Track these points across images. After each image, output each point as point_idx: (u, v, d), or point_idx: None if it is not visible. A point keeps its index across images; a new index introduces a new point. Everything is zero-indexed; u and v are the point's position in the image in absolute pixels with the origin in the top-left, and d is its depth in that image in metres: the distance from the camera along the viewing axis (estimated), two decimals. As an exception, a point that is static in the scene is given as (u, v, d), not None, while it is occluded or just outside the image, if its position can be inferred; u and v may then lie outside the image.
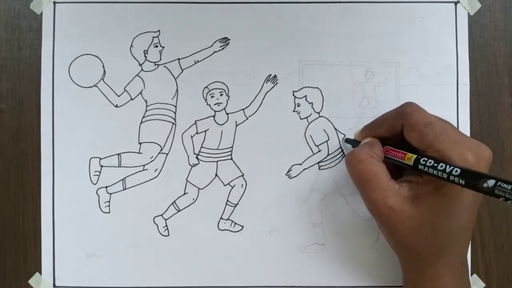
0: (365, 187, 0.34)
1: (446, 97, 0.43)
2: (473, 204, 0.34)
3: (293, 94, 0.43)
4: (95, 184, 0.43)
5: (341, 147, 0.43)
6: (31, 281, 0.43)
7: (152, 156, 0.43)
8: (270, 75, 0.43)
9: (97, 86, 0.43)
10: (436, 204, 0.33)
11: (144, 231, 0.42)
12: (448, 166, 0.31)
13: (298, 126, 0.43)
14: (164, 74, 0.43)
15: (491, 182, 0.28)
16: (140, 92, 0.43)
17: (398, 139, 0.37)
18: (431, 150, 0.33)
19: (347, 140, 0.42)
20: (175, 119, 0.43)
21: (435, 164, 0.32)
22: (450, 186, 0.32)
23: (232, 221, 0.43)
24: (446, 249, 0.34)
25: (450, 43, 0.43)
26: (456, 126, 0.43)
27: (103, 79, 0.43)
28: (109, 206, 0.43)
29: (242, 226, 0.43)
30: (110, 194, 0.43)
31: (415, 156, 0.34)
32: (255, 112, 0.43)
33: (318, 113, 0.43)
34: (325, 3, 0.43)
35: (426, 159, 0.33)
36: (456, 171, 0.30)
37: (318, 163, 0.43)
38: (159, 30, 0.43)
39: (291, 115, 0.43)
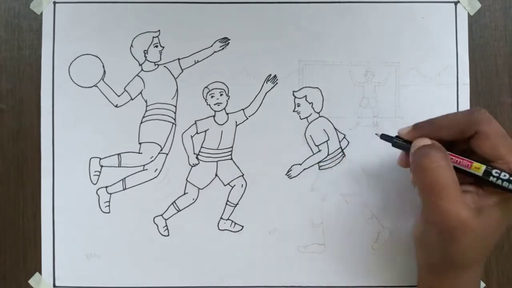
0: (439, 196, 0.32)
1: (446, 97, 0.43)
2: None
3: (293, 94, 0.43)
4: (95, 184, 0.43)
5: (341, 147, 0.43)
6: (31, 281, 0.43)
7: (152, 156, 0.43)
8: (270, 75, 0.43)
9: (97, 86, 0.43)
10: (496, 217, 0.33)
11: (144, 231, 0.42)
12: None
13: (298, 126, 0.43)
14: (164, 74, 0.43)
15: None
16: (140, 92, 0.43)
17: (447, 144, 0.35)
18: (502, 162, 0.33)
19: (384, 137, 0.38)
20: (175, 119, 0.43)
21: (511, 178, 0.32)
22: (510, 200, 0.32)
23: (232, 221, 0.43)
24: (486, 257, 0.35)
25: (450, 43, 0.43)
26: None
27: (103, 79, 0.43)
28: (109, 206, 0.43)
29: (242, 226, 0.43)
30: (110, 194, 0.43)
31: (485, 166, 0.33)
32: (255, 112, 0.43)
33: (318, 113, 0.43)
34: (325, 3, 0.43)
35: (499, 171, 0.32)
36: None
37: (318, 163, 0.43)
38: (159, 30, 0.43)
39: (291, 115, 0.43)
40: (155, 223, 0.43)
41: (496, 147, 0.33)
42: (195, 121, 0.43)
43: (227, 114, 0.43)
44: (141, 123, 0.43)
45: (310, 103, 0.43)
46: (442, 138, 0.35)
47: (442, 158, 0.33)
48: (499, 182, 0.32)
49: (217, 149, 0.43)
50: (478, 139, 0.34)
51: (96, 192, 0.43)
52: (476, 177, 0.34)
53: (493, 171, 0.33)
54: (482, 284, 0.43)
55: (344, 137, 0.43)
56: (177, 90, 0.43)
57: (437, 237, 0.33)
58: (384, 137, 0.38)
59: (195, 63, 0.43)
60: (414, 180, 0.34)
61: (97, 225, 0.42)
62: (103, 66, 0.43)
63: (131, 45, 0.43)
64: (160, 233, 0.43)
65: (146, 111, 0.43)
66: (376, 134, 0.39)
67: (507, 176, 0.32)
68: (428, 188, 0.33)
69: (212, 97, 0.43)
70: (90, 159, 0.43)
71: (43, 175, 0.43)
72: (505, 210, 0.33)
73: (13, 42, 0.43)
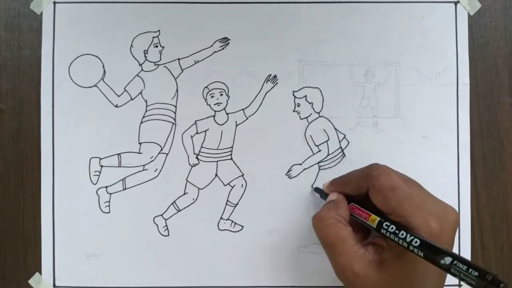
0: (331, 252, 0.34)
1: (446, 97, 0.43)
2: (439, 271, 0.32)
3: (293, 94, 0.43)
4: (95, 184, 0.43)
5: (341, 147, 0.43)
6: (31, 281, 0.43)
7: (152, 156, 0.43)
8: (270, 75, 0.43)
9: (97, 86, 0.43)
10: (400, 271, 0.32)
11: (144, 231, 0.42)
12: (408, 235, 0.31)
13: (298, 126, 0.43)
14: (164, 74, 0.43)
15: (448, 260, 0.28)
16: (140, 92, 0.43)
17: (365, 196, 0.36)
18: (395, 215, 0.33)
19: (316, 190, 0.42)
20: (175, 119, 0.43)
21: (397, 231, 0.32)
22: (412, 255, 0.31)
23: (232, 221, 0.43)
24: None
25: (450, 43, 0.43)
26: (455, 126, 0.43)
27: (103, 79, 0.43)
28: (109, 206, 0.43)
29: (242, 226, 0.43)
30: (110, 194, 0.43)
31: (379, 219, 0.34)
32: (255, 112, 0.43)
33: (318, 113, 0.43)
34: (325, 3, 0.43)
35: (388, 224, 0.33)
36: (416, 242, 0.30)
37: (318, 163, 0.43)
38: (159, 30, 0.43)
39: (291, 115, 0.43)
40: (155, 223, 0.43)
41: (385, 201, 0.33)
42: (195, 121, 0.43)
43: (227, 114, 0.43)
44: (141, 123, 0.43)
45: (310, 103, 0.43)
46: (348, 193, 0.38)
47: (330, 216, 0.35)
48: (388, 234, 0.32)
49: (217, 149, 0.43)
50: (371, 194, 0.35)
51: (96, 192, 0.43)
52: (377, 231, 0.34)
53: (384, 224, 0.33)
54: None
55: (344, 137, 0.43)
56: (177, 90, 0.43)
57: None
58: (316, 190, 0.42)
59: (195, 63, 0.43)
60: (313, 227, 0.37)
61: (97, 225, 0.42)
62: (103, 66, 0.43)
63: (131, 45, 0.43)
64: (160, 233, 0.42)
65: (146, 111, 0.43)
66: (311, 186, 0.43)
67: (394, 228, 0.32)
68: (323, 245, 0.35)
69: (212, 97, 0.43)
70: (90, 159, 0.43)
71: (43, 175, 0.42)
72: (405, 265, 0.32)
73: (13, 42, 0.43)
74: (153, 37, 0.43)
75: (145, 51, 0.43)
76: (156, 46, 0.43)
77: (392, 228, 0.32)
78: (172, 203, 0.43)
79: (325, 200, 0.39)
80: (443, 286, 0.34)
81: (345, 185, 0.38)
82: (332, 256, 0.34)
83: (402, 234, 0.31)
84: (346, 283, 0.34)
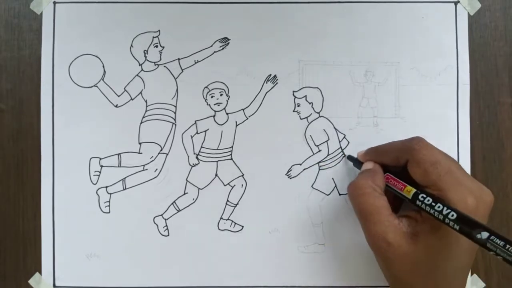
0: (366, 221, 0.34)
1: (446, 97, 0.43)
2: (471, 246, 0.33)
3: (293, 94, 0.43)
4: (95, 184, 0.43)
5: (341, 147, 0.43)
6: (31, 281, 0.43)
7: (152, 156, 0.43)
8: (270, 75, 0.43)
9: (97, 86, 0.43)
10: (433, 244, 0.32)
11: (144, 231, 0.42)
12: (445, 208, 0.31)
13: (298, 126, 0.43)
14: (164, 74, 0.43)
15: (484, 235, 0.28)
16: (140, 92, 0.43)
17: (401, 167, 0.36)
18: (433, 188, 0.33)
19: (350, 158, 0.42)
20: (175, 119, 0.43)
21: (433, 203, 0.32)
22: (448, 229, 0.32)
23: (232, 221, 0.43)
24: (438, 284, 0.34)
25: (450, 43, 0.43)
26: (455, 126, 0.43)
27: (103, 79, 0.43)
28: (109, 206, 0.43)
29: (242, 226, 0.43)
30: (110, 194, 0.43)
31: (414, 190, 0.34)
32: (255, 112, 0.43)
33: (318, 113, 0.43)
34: (325, 3, 0.43)
35: (424, 196, 0.33)
36: (453, 215, 0.30)
37: (318, 163, 0.43)
38: (159, 30, 0.43)
39: (291, 115, 0.43)
40: (155, 223, 0.43)
41: (426, 174, 0.34)
42: (195, 121, 0.43)
43: (227, 114, 0.43)
44: (141, 123, 0.43)
45: (310, 103, 0.43)
46: (385, 163, 0.38)
47: (367, 186, 0.35)
48: (423, 206, 0.32)
49: (217, 149, 0.43)
50: (410, 167, 0.35)
51: (96, 192, 0.43)
52: (411, 202, 0.34)
53: (420, 196, 0.33)
54: (482, 284, 0.43)
55: (344, 137, 0.43)
56: (177, 90, 0.43)
57: (378, 259, 0.35)
58: (349, 158, 0.42)
59: (195, 63, 0.43)
60: (348, 195, 0.37)
61: (97, 225, 0.42)
62: (103, 66, 0.43)
63: (131, 45, 0.43)
64: (160, 233, 0.42)
65: (146, 111, 0.43)
66: (344, 155, 0.43)
67: (430, 201, 0.32)
68: (358, 214, 0.36)
69: (212, 97, 0.43)
70: (90, 159, 0.43)
71: (43, 175, 0.42)
72: (441, 238, 0.32)
73: (13, 42, 0.43)
74: (153, 37, 0.43)
75: (145, 51, 0.43)
76: (156, 46, 0.43)
77: (428, 200, 0.32)
78: (172, 203, 0.43)
79: (359, 168, 0.40)
80: (471, 263, 0.35)
81: (383, 155, 0.38)
82: (367, 225, 0.34)
83: (439, 207, 0.31)
84: (377, 252, 0.34)
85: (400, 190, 0.35)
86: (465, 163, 0.43)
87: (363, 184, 0.35)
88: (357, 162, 0.41)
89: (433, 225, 0.33)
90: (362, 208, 0.35)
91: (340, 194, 0.43)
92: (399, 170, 0.36)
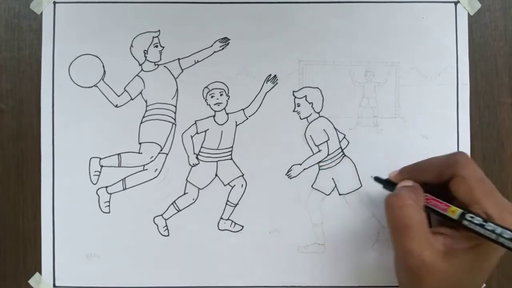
0: (402, 235, 0.33)
1: (446, 97, 0.43)
2: (497, 260, 0.33)
3: (293, 94, 0.43)
4: (95, 184, 0.43)
5: (341, 147, 0.43)
6: (31, 281, 0.43)
7: (152, 156, 0.43)
8: (270, 75, 0.43)
9: (97, 86, 0.43)
10: (469, 261, 0.32)
11: (144, 231, 0.42)
12: (498, 228, 0.31)
13: (298, 126, 0.43)
14: (164, 74, 0.43)
15: None
16: (140, 92, 0.43)
17: (434, 186, 0.35)
18: (477, 207, 0.32)
19: (377, 179, 0.40)
20: (175, 119, 0.43)
21: (483, 223, 0.31)
22: (488, 245, 0.32)
23: (232, 221, 0.43)
24: None
25: (450, 43, 0.43)
26: (455, 126, 0.43)
27: (103, 79, 0.43)
28: (109, 206, 0.43)
29: (242, 226, 0.43)
30: (110, 194, 0.43)
31: (461, 210, 0.33)
32: (255, 112, 0.43)
33: (318, 113, 0.43)
34: (325, 3, 0.43)
35: (473, 216, 0.32)
36: (507, 234, 0.30)
37: (318, 163, 0.43)
38: (159, 30, 0.43)
39: (291, 115, 0.43)
40: (155, 223, 0.43)
41: (471, 191, 0.33)
42: (195, 121, 0.43)
43: (227, 114, 0.43)
44: (141, 123, 0.43)
45: (310, 103, 0.43)
46: (425, 181, 0.36)
47: (409, 198, 0.34)
48: (472, 226, 0.32)
49: (217, 149, 0.43)
50: (455, 183, 0.34)
51: (96, 192, 0.43)
52: (455, 223, 0.33)
53: (467, 215, 0.32)
54: (482, 284, 0.43)
55: (344, 137, 0.43)
56: (177, 90, 0.43)
57: (406, 275, 0.34)
58: (377, 179, 0.40)
59: (195, 63, 0.43)
60: (385, 208, 0.35)
61: (97, 225, 0.42)
62: (103, 66, 0.43)
63: (131, 45, 0.43)
64: (160, 233, 0.42)
65: (146, 111, 0.43)
66: (370, 176, 0.40)
67: (480, 221, 0.32)
68: (394, 226, 0.34)
69: (212, 97, 0.43)
70: (90, 159, 0.43)
71: (43, 175, 0.42)
72: (478, 255, 0.32)
73: (13, 42, 0.43)
74: (153, 37, 0.43)
75: (145, 51, 0.43)
76: (156, 46, 0.43)
77: (478, 220, 0.31)
78: (172, 203, 0.43)
79: (390, 189, 0.38)
80: None
81: (423, 172, 0.36)
82: (402, 239, 0.33)
83: (490, 226, 0.31)
84: (408, 269, 0.33)
85: (443, 210, 0.34)
86: (465, 163, 0.43)
87: (405, 195, 0.34)
88: (388, 183, 0.38)
89: (472, 243, 0.32)
90: (400, 221, 0.33)
91: (340, 194, 0.43)
92: (433, 189, 0.36)
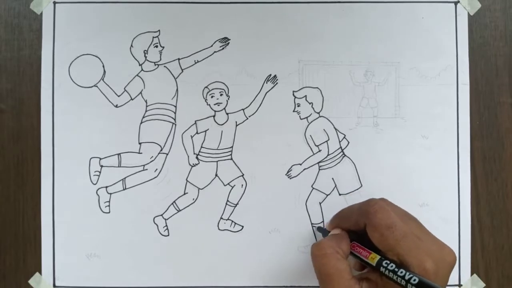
0: (326, 283, 0.34)
1: (446, 97, 0.43)
2: None
3: (293, 94, 0.43)
4: (95, 184, 0.43)
5: (341, 147, 0.43)
6: (31, 281, 0.43)
7: (152, 156, 0.43)
8: (270, 75, 0.43)
9: (97, 86, 0.43)
10: None
11: (144, 231, 0.42)
12: (407, 273, 0.31)
13: (298, 126, 0.43)
14: (164, 74, 0.43)
15: None
16: (140, 92, 0.43)
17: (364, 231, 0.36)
18: (392, 253, 0.33)
19: (319, 229, 0.41)
20: (175, 119, 0.43)
21: (396, 269, 0.32)
22: None
23: (232, 221, 0.43)
24: None
25: (450, 43, 0.43)
26: (455, 126, 0.43)
27: (103, 79, 0.43)
28: (109, 206, 0.43)
29: (242, 226, 0.43)
30: (110, 194, 0.43)
31: (379, 257, 0.34)
32: (255, 112, 0.43)
33: (318, 113, 0.43)
34: (325, 3, 0.43)
35: (388, 262, 0.33)
36: (415, 280, 0.30)
37: (318, 163, 0.43)
38: (159, 30, 0.43)
39: (291, 115, 0.43)
40: (155, 223, 0.43)
41: (383, 239, 0.33)
42: (195, 121, 0.43)
43: (227, 114, 0.43)
44: (141, 123, 0.43)
45: (310, 103, 0.43)
46: (348, 229, 0.37)
47: (330, 247, 0.34)
48: (387, 273, 0.32)
49: (217, 149, 0.43)
50: (368, 231, 0.34)
51: (96, 192, 0.43)
52: (376, 270, 0.34)
53: (383, 262, 0.33)
54: (482, 284, 0.43)
55: (344, 137, 0.43)
56: (177, 90, 0.43)
57: None
58: (319, 229, 0.41)
59: (195, 63, 0.43)
60: (311, 258, 0.36)
61: (97, 225, 0.42)
62: (103, 66, 0.43)
63: (131, 45, 0.43)
64: (160, 233, 0.42)
65: (146, 111, 0.43)
66: (313, 226, 0.42)
67: (393, 267, 0.32)
68: (317, 274, 0.35)
69: (212, 97, 0.43)
70: (90, 159, 0.43)
71: (43, 175, 0.42)
72: None
73: (13, 42, 0.43)
74: (153, 37, 0.43)
75: (145, 51, 0.43)
76: (156, 46, 0.43)
77: (391, 266, 0.32)
78: (172, 203, 0.43)
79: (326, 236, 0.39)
80: None
81: (344, 220, 0.38)
82: (326, 287, 0.34)
83: (401, 272, 0.31)
84: None
85: (365, 257, 0.35)
86: (465, 163, 0.43)
87: (325, 245, 0.35)
88: (325, 232, 0.40)
89: None
90: (323, 270, 0.34)
91: (340, 194, 0.43)
92: (364, 233, 0.36)
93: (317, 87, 0.43)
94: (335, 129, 0.43)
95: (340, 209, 0.40)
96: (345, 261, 0.34)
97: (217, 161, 0.43)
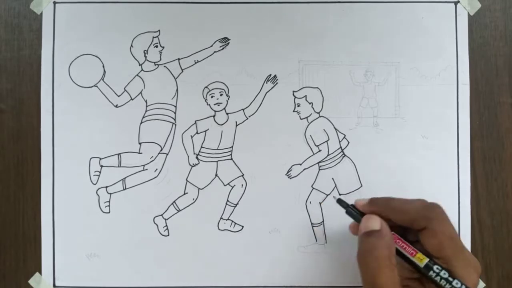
0: None
1: (446, 97, 0.43)
2: None
3: (293, 94, 0.43)
4: (95, 184, 0.43)
5: (341, 147, 0.43)
6: (31, 281, 0.43)
7: (152, 156, 0.43)
8: (270, 75, 0.43)
9: (97, 86, 0.43)
10: None
11: (144, 231, 0.42)
12: (463, 286, 0.31)
13: (298, 126, 0.43)
14: (164, 74, 0.43)
15: None
16: (140, 92, 0.43)
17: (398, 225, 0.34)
18: (443, 261, 0.32)
19: (341, 202, 0.37)
20: (175, 119, 0.43)
21: (450, 278, 0.31)
22: None
23: (232, 221, 0.43)
24: None
25: (450, 43, 0.43)
26: (455, 126, 0.43)
27: (103, 79, 0.43)
28: (109, 206, 0.43)
29: (242, 226, 0.43)
30: (110, 194, 0.43)
31: (427, 259, 0.32)
32: (255, 112, 0.43)
33: (318, 113, 0.43)
34: (326, 3, 0.43)
35: (440, 268, 0.32)
36: None
37: (318, 163, 0.43)
38: (159, 30, 0.43)
39: (291, 115, 0.43)
40: (155, 223, 0.43)
41: (442, 248, 0.32)
42: (195, 121, 0.43)
43: (227, 114, 0.43)
44: (141, 123, 0.43)
45: (310, 103, 0.43)
46: (395, 222, 0.34)
47: (385, 258, 0.32)
48: (437, 279, 0.32)
49: (217, 149, 0.43)
50: (426, 235, 0.33)
51: (96, 192, 0.43)
52: (418, 270, 0.33)
53: (435, 267, 0.32)
54: (482, 284, 0.43)
55: (344, 137, 0.43)
56: (177, 90, 0.43)
57: None
58: (340, 202, 0.37)
59: (195, 63, 0.43)
60: (358, 263, 0.33)
61: (97, 225, 0.42)
62: (103, 66, 0.43)
63: (131, 45, 0.43)
64: (160, 233, 0.42)
65: (146, 111, 0.43)
66: (333, 197, 0.39)
67: (447, 275, 0.31)
68: (367, 283, 0.32)
69: (212, 97, 0.43)
70: (90, 159, 0.43)
71: (43, 175, 0.42)
72: None
73: (13, 42, 0.43)
74: (153, 37, 0.43)
75: (145, 51, 0.43)
76: (156, 46, 0.43)
77: (444, 274, 0.31)
78: (172, 203, 0.43)
79: (356, 220, 0.36)
80: None
81: (396, 213, 0.34)
82: None
83: (457, 283, 0.31)
84: None
85: (411, 255, 0.33)
86: (465, 163, 0.43)
87: (381, 256, 0.32)
88: (353, 210, 0.36)
89: None
90: (376, 283, 0.31)
91: (340, 194, 0.43)
92: (399, 227, 0.34)
93: (317, 87, 0.43)
94: (335, 129, 0.43)
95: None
96: (396, 270, 0.32)
97: (217, 161, 0.43)
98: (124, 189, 0.43)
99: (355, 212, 0.36)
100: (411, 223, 0.34)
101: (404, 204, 0.35)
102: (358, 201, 0.36)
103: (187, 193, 0.43)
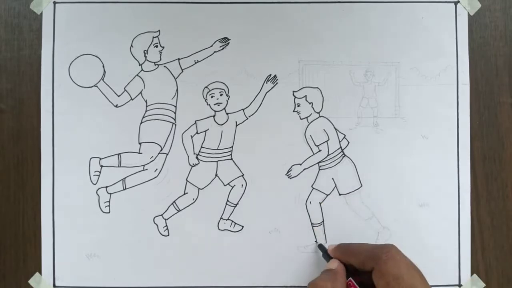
0: None
1: (446, 97, 0.43)
2: None
3: (293, 94, 0.43)
4: (95, 184, 0.43)
5: (341, 147, 0.43)
6: (31, 281, 0.43)
7: (152, 156, 0.43)
8: (270, 75, 0.43)
9: (97, 86, 0.43)
10: None
11: (144, 231, 0.42)
12: None
13: (298, 126, 0.43)
14: (164, 74, 0.43)
15: None
16: (140, 92, 0.43)
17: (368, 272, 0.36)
18: None
19: (320, 247, 0.42)
20: (175, 119, 0.43)
21: None
22: None
23: (232, 221, 0.43)
24: None
25: (450, 43, 0.43)
26: (455, 126, 0.43)
27: (103, 79, 0.43)
28: (109, 206, 0.43)
29: (242, 226, 0.43)
30: (110, 194, 0.43)
31: None
32: (255, 112, 0.43)
33: (318, 113, 0.43)
34: (325, 3, 0.43)
35: None
36: None
37: (318, 163, 0.43)
38: (159, 30, 0.43)
39: (291, 115, 0.43)
40: (155, 223, 0.43)
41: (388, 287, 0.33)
42: (195, 121, 0.43)
43: (227, 114, 0.43)
44: (141, 123, 0.43)
45: (310, 103, 0.43)
46: (352, 265, 0.37)
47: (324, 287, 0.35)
48: None
49: (217, 149, 0.43)
50: (374, 276, 0.34)
51: (96, 192, 0.43)
52: None
53: None
54: (482, 284, 0.43)
55: (344, 137, 0.43)
56: (177, 90, 0.43)
57: None
58: (320, 247, 0.41)
59: (195, 63, 0.43)
60: None
61: (97, 225, 0.42)
62: (103, 66, 0.43)
63: (131, 45, 0.43)
64: (160, 233, 0.42)
65: (146, 111, 0.43)
66: (315, 241, 0.42)
67: None
68: None
69: (212, 97, 0.43)
70: (90, 159, 0.43)
71: (43, 175, 0.42)
72: None
73: (13, 42, 0.43)
74: (153, 37, 0.43)
75: (145, 51, 0.43)
76: (156, 46, 0.43)
77: None
78: (172, 203, 0.43)
79: (327, 261, 0.40)
80: None
81: (351, 256, 0.38)
82: None
83: None
84: None
85: None
86: (465, 163, 0.43)
87: (321, 284, 0.35)
88: (326, 254, 0.40)
89: None
90: None
91: (340, 194, 0.43)
92: (363, 272, 0.36)
93: (317, 87, 0.43)
94: (335, 129, 0.43)
95: (346, 242, 0.40)
96: None
97: (217, 161, 0.43)
98: (124, 189, 0.43)
99: (328, 256, 0.40)
100: (363, 264, 0.36)
101: (358, 247, 0.38)
102: (330, 246, 0.40)
103: (187, 193, 0.43)
